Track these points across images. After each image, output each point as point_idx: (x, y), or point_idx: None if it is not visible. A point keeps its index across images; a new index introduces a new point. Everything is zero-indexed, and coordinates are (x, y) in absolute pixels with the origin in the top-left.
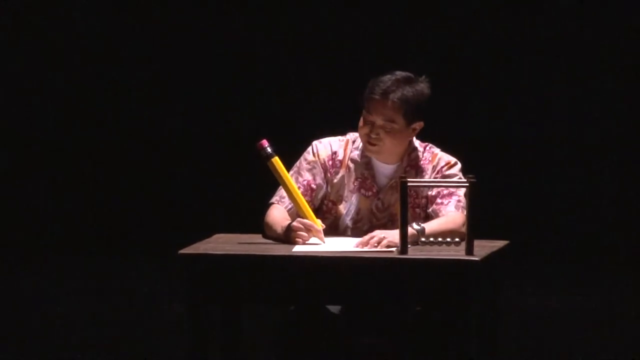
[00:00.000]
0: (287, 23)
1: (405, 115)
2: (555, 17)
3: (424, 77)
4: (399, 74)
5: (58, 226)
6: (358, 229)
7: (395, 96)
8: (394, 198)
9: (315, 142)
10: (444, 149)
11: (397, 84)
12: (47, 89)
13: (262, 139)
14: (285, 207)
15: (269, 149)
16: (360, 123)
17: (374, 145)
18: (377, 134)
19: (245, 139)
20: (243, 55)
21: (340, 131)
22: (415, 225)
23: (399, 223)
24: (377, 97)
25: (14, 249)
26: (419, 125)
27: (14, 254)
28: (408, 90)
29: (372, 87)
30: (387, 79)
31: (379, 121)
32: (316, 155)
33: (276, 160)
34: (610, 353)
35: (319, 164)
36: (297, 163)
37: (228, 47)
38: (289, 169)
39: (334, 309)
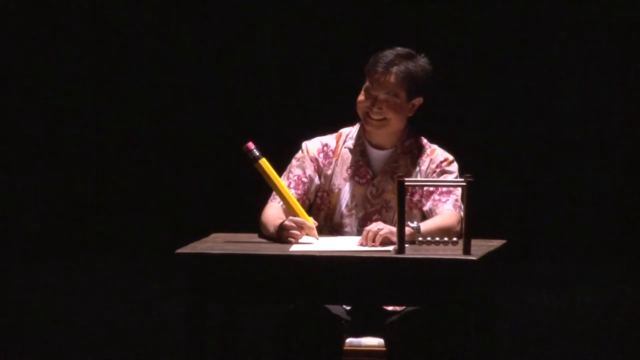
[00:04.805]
0: (286, 22)
1: (407, 89)
2: (557, 15)
3: (422, 54)
4: (400, 49)
5: (56, 226)
6: (352, 216)
7: (398, 69)
8: (389, 184)
9: (304, 142)
10: (442, 147)
11: (399, 59)
12: (47, 89)
13: (248, 142)
14: (280, 204)
15: (256, 152)
16: (361, 97)
17: (374, 119)
18: (380, 108)
19: (242, 139)
20: (241, 56)
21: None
22: (411, 224)
23: (393, 212)
24: (380, 69)
25: (13, 249)
26: (418, 101)
27: (14, 254)
28: (411, 65)
29: (374, 61)
30: (390, 53)
31: (382, 95)
32: (305, 151)
33: (264, 162)
34: (611, 353)
35: (308, 159)
36: (288, 165)
37: (226, 47)
38: (279, 171)
39: (335, 309)
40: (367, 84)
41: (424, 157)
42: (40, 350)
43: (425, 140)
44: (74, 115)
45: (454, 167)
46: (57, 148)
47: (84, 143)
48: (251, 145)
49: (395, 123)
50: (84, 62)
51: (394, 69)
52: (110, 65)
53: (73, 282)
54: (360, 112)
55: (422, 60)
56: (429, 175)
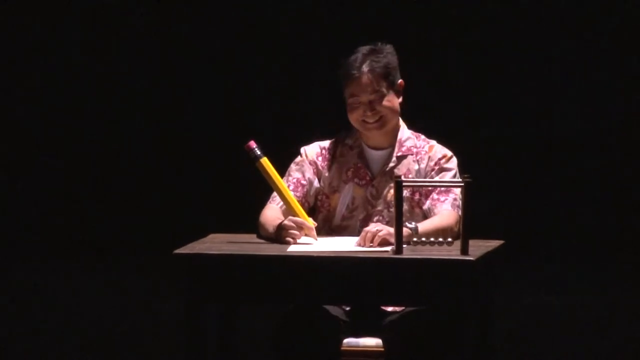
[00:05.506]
0: (286, 22)
1: (387, 80)
2: (557, 15)
3: (379, 43)
4: (362, 48)
5: (56, 226)
6: (354, 218)
7: (372, 66)
8: (388, 184)
9: (303, 147)
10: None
11: (366, 57)
12: (47, 89)
13: (249, 140)
14: (279, 205)
15: (257, 150)
16: (350, 111)
17: (372, 122)
18: (373, 109)
19: (242, 139)
20: (241, 56)
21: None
22: (409, 224)
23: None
24: (356, 74)
25: (13, 249)
26: (400, 85)
27: (14, 254)
28: (380, 57)
29: (347, 70)
30: (354, 57)
31: (368, 97)
32: (304, 155)
33: (265, 161)
34: (611, 353)
35: (307, 162)
36: (288, 169)
37: (226, 47)
38: (279, 172)
39: (333, 309)
40: (349, 98)
41: (422, 155)
42: (41, 350)
43: (422, 137)
44: (74, 115)
45: (453, 163)
46: (57, 148)
47: (84, 143)
48: (253, 144)
49: (392, 116)
50: (84, 62)
51: (367, 68)
52: (110, 65)
53: (73, 282)
54: (356, 124)
55: (386, 47)
56: (428, 173)
